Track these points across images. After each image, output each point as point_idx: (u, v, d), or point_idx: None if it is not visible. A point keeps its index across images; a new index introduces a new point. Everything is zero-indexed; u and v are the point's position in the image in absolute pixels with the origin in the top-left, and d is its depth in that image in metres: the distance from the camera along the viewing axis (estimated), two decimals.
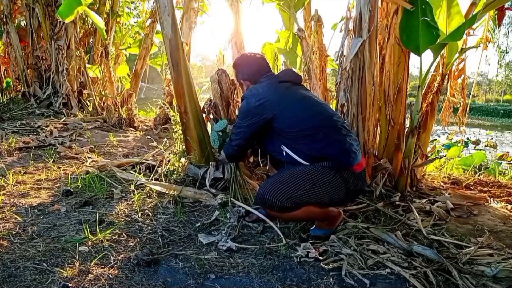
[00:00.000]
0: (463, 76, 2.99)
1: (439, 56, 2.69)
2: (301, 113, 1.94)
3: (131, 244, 1.88)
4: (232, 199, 2.41)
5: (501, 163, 5.09)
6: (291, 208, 1.83)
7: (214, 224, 2.17)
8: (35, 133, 4.62)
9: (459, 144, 5.47)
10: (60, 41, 6.18)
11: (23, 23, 7.39)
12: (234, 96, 2.90)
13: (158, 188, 2.58)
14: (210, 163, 2.71)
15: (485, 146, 9.59)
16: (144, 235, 1.99)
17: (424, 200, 2.68)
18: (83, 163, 3.45)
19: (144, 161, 3.23)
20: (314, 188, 1.84)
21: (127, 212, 2.27)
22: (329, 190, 1.86)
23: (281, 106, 1.95)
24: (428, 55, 2.58)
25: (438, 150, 4.93)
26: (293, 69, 3.30)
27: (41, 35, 6.61)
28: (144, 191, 2.61)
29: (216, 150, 2.75)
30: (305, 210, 1.86)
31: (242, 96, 2.15)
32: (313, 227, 2.07)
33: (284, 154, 1.99)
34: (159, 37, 6.97)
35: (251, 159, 2.92)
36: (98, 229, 1.99)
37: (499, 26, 2.99)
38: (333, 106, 2.88)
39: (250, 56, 2.28)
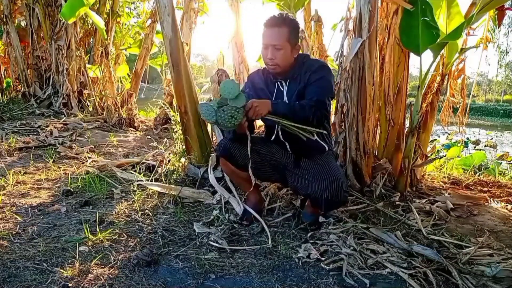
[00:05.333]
0: (463, 76, 2.99)
1: (439, 56, 2.69)
2: None
3: (131, 244, 1.88)
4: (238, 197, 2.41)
5: (501, 163, 5.08)
6: None
7: (213, 223, 2.17)
8: (35, 133, 4.62)
9: (459, 144, 5.46)
10: (60, 41, 6.18)
11: (23, 23, 7.40)
12: None
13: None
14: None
15: (485, 146, 9.58)
16: (144, 235, 1.99)
17: (424, 200, 2.68)
18: (83, 163, 3.45)
19: (144, 161, 3.24)
20: None
21: (127, 212, 2.27)
22: None
23: None
24: (428, 55, 2.58)
25: (438, 150, 4.93)
26: None
27: (41, 35, 6.61)
28: (145, 191, 2.61)
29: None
30: None
31: (319, 64, 1.98)
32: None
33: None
34: (159, 37, 6.97)
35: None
36: (98, 229, 1.99)
37: (499, 26, 2.99)
38: (333, 106, 2.88)
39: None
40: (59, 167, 3.25)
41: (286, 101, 1.98)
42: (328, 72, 1.97)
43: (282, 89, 2.02)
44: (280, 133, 2.03)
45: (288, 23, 1.90)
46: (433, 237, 2.09)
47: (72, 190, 2.59)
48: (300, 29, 2.11)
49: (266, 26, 1.92)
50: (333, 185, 1.89)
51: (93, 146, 4.14)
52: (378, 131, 2.94)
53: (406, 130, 2.83)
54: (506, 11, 2.90)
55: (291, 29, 1.90)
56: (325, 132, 2.01)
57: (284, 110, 1.85)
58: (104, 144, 4.32)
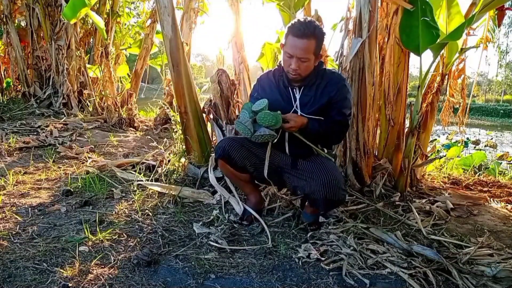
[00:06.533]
0: (463, 76, 2.99)
1: (439, 56, 2.69)
2: None
3: (131, 244, 1.88)
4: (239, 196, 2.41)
5: (501, 163, 5.09)
6: None
7: (213, 223, 2.17)
8: (35, 133, 4.62)
9: (459, 144, 5.47)
10: (60, 41, 6.17)
11: (23, 23, 7.39)
12: (234, 96, 2.91)
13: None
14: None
15: (485, 146, 9.59)
16: (144, 235, 1.99)
17: (424, 200, 2.68)
18: (83, 163, 3.45)
19: (144, 161, 3.23)
20: None
21: (127, 212, 2.27)
22: None
23: None
24: (428, 55, 2.58)
25: (438, 150, 4.93)
26: None
27: (41, 35, 6.61)
28: (145, 191, 2.61)
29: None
30: None
31: (344, 81, 2.00)
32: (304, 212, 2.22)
33: None
34: (159, 37, 6.97)
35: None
36: (98, 229, 1.99)
37: (499, 26, 3.00)
38: None
39: None
40: (59, 167, 3.25)
41: (299, 108, 1.98)
42: (349, 90, 2.03)
43: (296, 96, 1.99)
44: (285, 135, 2.01)
45: (316, 34, 1.83)
46: (433, 237, 2.09)
47: (72, 190, 2.59)
48: None
49: (294, 35, 1.82)
50: (330, 184, 1.88)
51: (93, 146, 4.14)
52: (378, 131, 2.94)
53: (406, 130, 2.83)
54: (506, 11, 2.90)
55: (318, 40, 1.85)
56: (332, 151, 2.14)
57: (318, 129, 1.92)
58: (104, 144, 4.32)
